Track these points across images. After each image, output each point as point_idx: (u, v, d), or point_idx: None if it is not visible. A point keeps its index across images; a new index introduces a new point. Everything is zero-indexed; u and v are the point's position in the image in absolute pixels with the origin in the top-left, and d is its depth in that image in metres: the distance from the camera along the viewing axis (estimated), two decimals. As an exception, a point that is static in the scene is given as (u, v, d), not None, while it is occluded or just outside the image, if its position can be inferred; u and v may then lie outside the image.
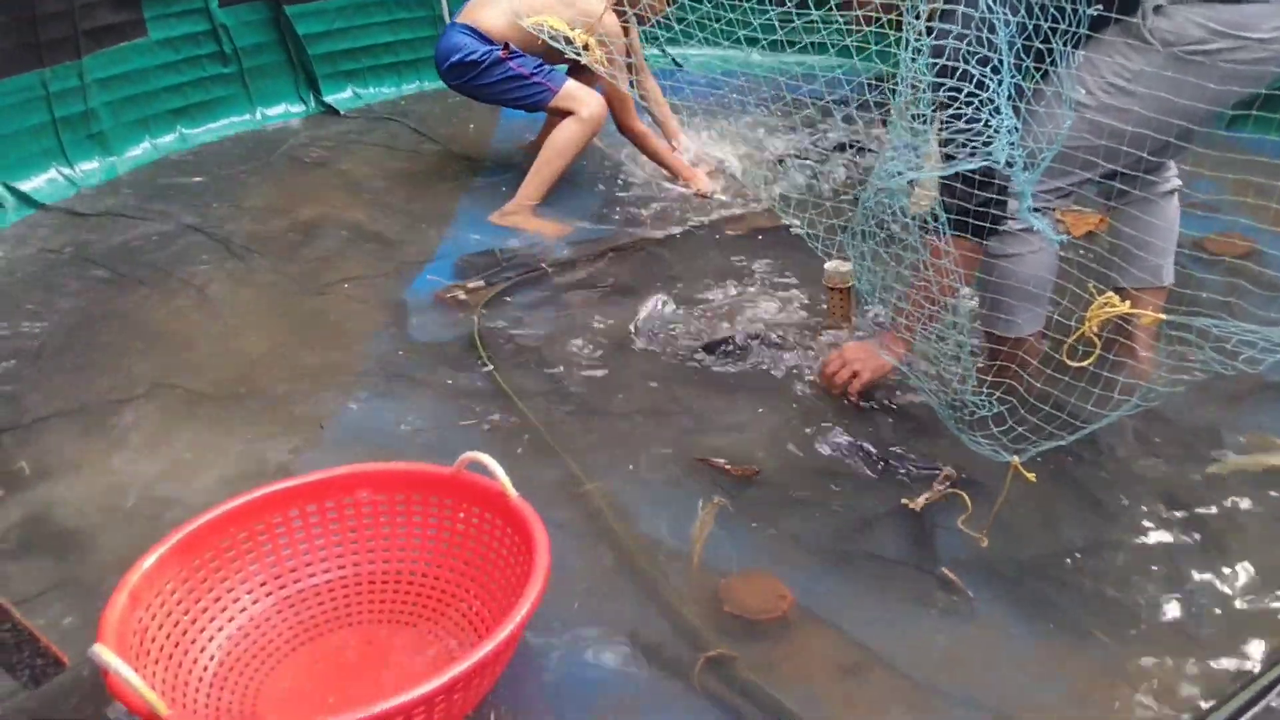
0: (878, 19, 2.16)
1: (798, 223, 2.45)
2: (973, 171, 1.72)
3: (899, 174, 1.68)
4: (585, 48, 2.88)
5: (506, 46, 3.32)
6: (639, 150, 3.70)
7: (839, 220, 2.28)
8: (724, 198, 3.56)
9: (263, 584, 1.79)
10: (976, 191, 1.81)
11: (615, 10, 3.39)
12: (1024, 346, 2.21)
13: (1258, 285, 2.21)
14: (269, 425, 2.38)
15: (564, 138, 3.38)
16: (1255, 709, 1.57)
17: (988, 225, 1.90)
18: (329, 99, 4.35)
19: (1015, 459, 1.82)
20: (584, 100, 3.36)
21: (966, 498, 1.98)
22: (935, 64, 1.64)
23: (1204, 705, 1.63)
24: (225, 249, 3.18)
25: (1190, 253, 2.55)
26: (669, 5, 3.57)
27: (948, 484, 2.07)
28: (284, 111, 4.27)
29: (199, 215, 3.39)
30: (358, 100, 4.42)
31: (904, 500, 2.03)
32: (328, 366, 2.60)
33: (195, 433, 2.35)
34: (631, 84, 3.51)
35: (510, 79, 3.33)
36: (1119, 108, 1.87)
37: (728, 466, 2.22)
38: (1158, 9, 1.88)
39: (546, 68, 3.37)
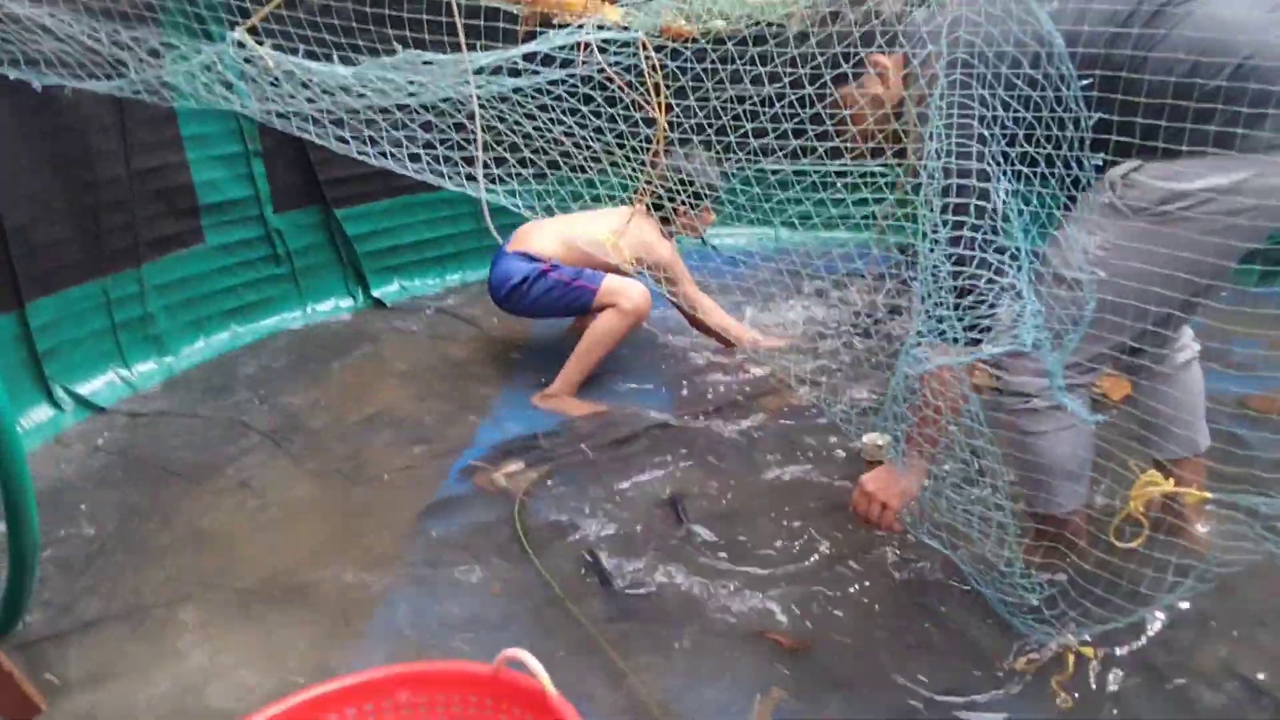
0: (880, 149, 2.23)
1: (828, 406, 2.48)
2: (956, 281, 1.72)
3: (926, 359, 1.70)
4: (613, 247, 3.01)
5: (549, 262, 3.50)
6: (706, 331, 3.83)
7: (869, 403, 2.29)
8: (758, 371, 3.60)
9: (300, 795, 1.74)
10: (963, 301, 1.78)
11: (663, 233, 3.65)
12: (1069, 526, 2.16)
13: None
14: (313, 624, 2.37)
15: (604, 329, 3.49)
16: None
17: (978, 336, 1.85)
18: (376, 293, 4.52)
19: (1073, 639, 1.76)
20: (625, 293, 3.47)
21: (1072, 659, 1.90)
22: (953, 254, 1.68)
23: None
24: (274, 444, 3.25)
25: (1235, 412, 2.52)
26: (712, 219, 3.78)
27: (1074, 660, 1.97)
28: (334, 307, 4.43)
29: (249, 412, 3.49)
30: (404, 293, 4.59)
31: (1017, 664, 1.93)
32: (371, 560, 2.61)
33: (241, 634, 2.35)
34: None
35: (553, 288, 3.48)
36: (1113, 280, 1.85)
37: (782, 640, 2.17)
38: (1124, 178, 1.88)
39: (587, 272, 3.51)
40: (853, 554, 2.53)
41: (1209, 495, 1.52)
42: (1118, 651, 1.99)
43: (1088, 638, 1.88)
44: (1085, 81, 1.68)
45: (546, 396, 3.51)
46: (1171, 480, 1.56)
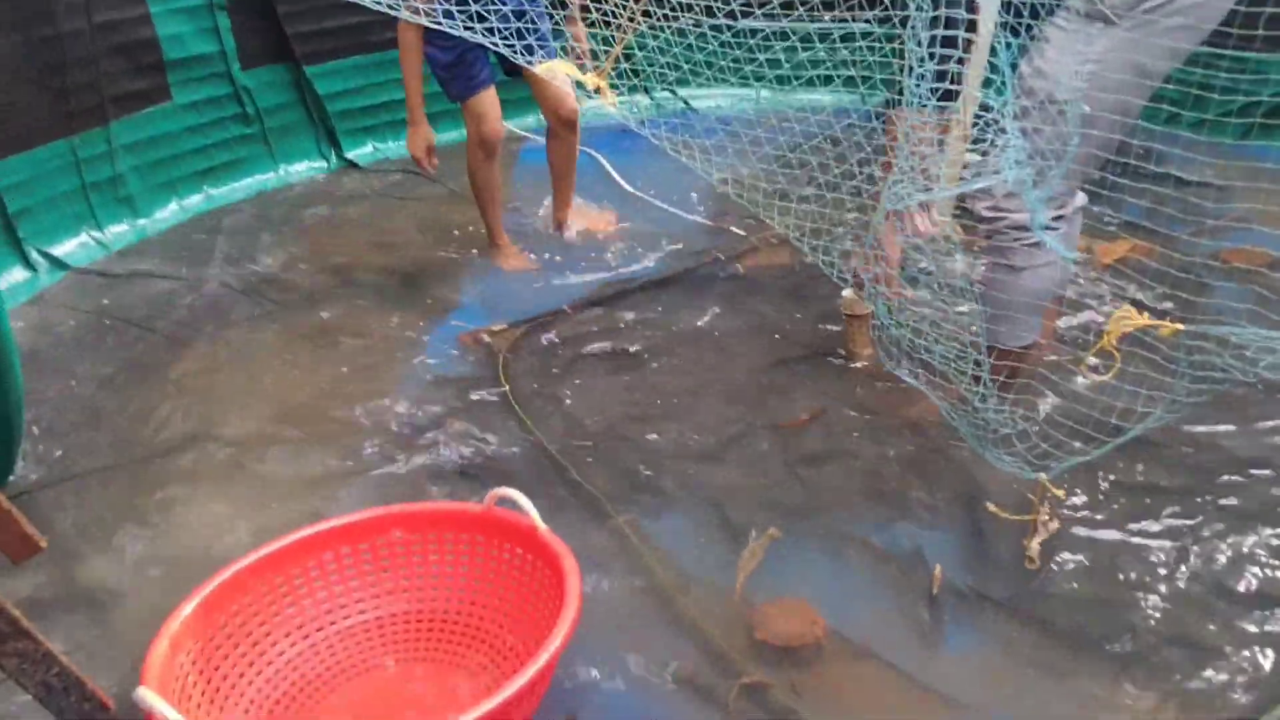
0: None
1: (810, 251, 2.48)
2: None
3: (908, 195, 1.71)
4: (597, 90, 2.94)
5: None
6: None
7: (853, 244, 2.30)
8: (739, 231, 3.60)
9: (300, 626, 1.81)
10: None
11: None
12: (1031, 357, 2.22)
13: (1277, 294, 2.22)
14: (304, 474, 2.41)
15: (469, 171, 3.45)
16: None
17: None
18: (350, 154, 4.43)
19: (1042, 476, 1.82)
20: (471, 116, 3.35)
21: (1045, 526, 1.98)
22: (938, 89, 1.67)
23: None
24: (254, 304, 3.24)
25: (1206, 263, 2.56)
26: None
27: (1049, 520, 2.05)
28: (307, 168, 4.36)
29: (227, 272, 3.46)
30: (377, 154, 4.51)
31: (1026, 554, 2.00)
32: (357, 413, 2.64)
33: (233, 484, 2.39)
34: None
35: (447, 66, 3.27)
36: (1101, 95, 1.88)
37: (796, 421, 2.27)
38: None
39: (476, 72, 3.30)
40: (839, 395, 2.59)
41: (1181, 327, 1.56)
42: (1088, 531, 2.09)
43: (1045, 476, 1.93)
44: None
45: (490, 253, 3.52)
46: (1146, 314, 1.60)
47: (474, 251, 3.58)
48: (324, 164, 4.40)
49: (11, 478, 2.41)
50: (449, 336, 3.00)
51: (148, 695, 1.37)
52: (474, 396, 2.69)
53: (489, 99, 3.32)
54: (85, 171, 3.62)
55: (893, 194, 1.75)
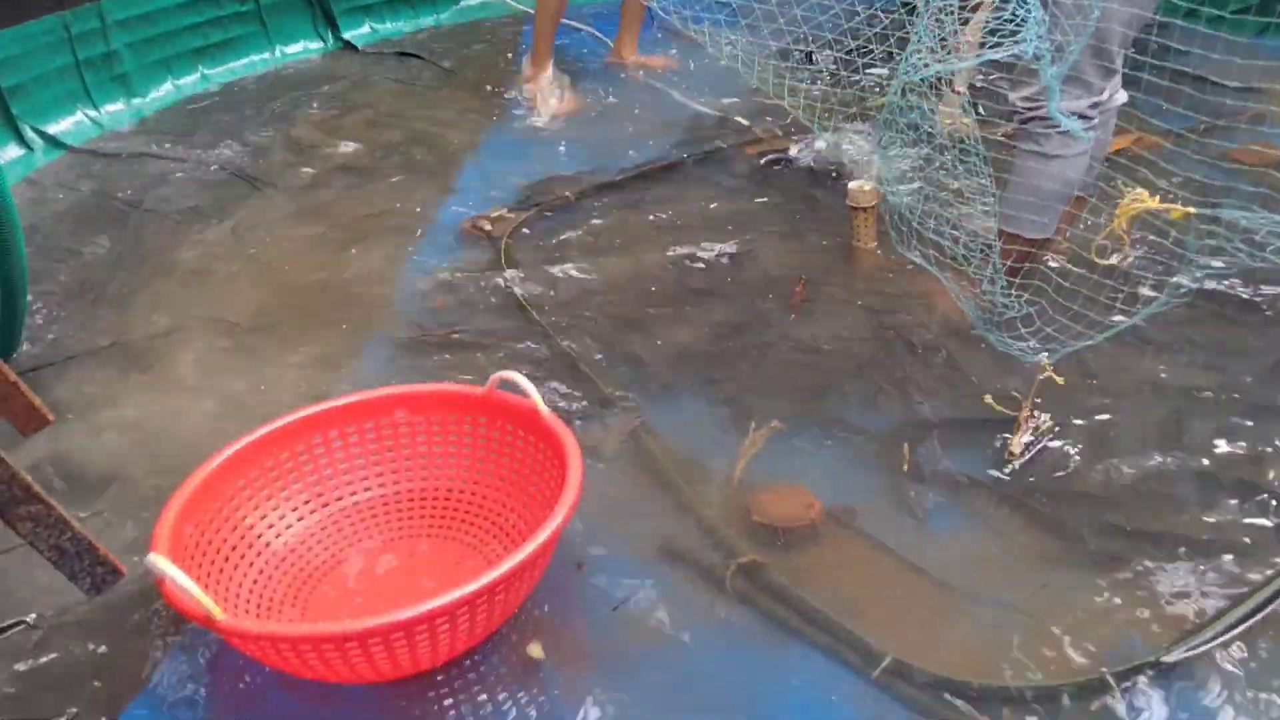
0: None
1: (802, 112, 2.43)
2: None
3: (926, 65, 1.68)
4: None
5: None
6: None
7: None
8: (743, 121, 3.54)
9: (306, 502, 1.85)
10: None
11: None
12: (1050, 247, 2.22)
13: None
14: (307, 354, 2.43)
15: None
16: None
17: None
18: (347, 35, 4.33)
19: (1045, 359, 1.83)
20: None
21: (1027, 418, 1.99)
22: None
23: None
24: (253, 186, 3.21)
25: (1215, 162, 2.51)
26: None
27: (1032, 422, 2.06)
28: (303, 49, 4.26)
29: (225, 154, 3.42)
30: (375, 35, 4.41)
31: (1008, 448, 2.02)
32: (357, 298, 2.64)
33: (234, 365, 2.40)
34: None
35: None
36: None
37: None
38: None
39: None
40: (844, 284, 2.59)
41: (1193, 211, 1.55)
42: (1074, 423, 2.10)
43: (1046, 358, 1.94)
44: None
45: (525, 79, 3.76)
46: (1157, 197, 1.59)
47: (476, 133, 3.53)
48: (320, 44, 4.31)
49: (15, 355, 2.42)
50: (451, 221, 2.98)
51: (159, 561, 1.40)
52: (476, 282, 2.68)
53: None
54: (78, 48, 3.54)
55: (910, 65, 1.72)
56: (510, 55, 4.19)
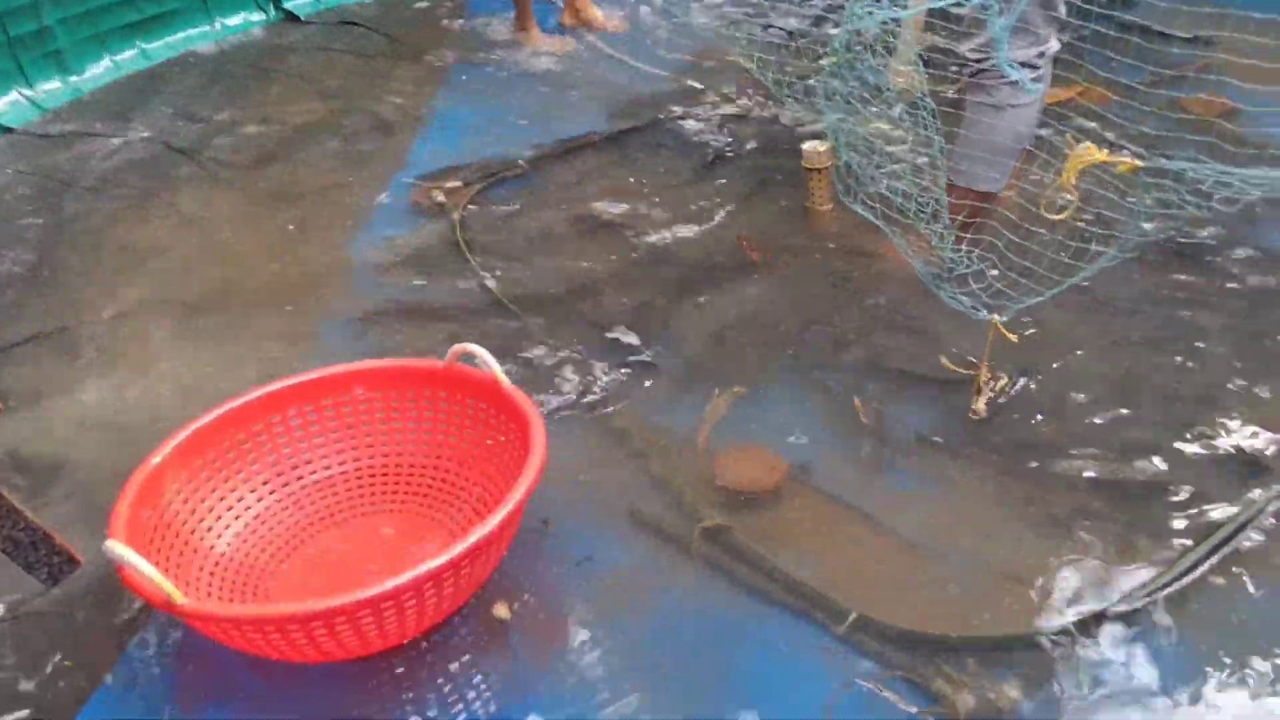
0: None
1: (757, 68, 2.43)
2: None
3: (870, 13, 1.67)
4: None
5: None
6: None
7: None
8: (697, 84, 3.51)
9: (265, 482, 1.83)
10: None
11: None
12: (1002, 201, 2.24)
13: (1232, 141, 2.22)
14: (261, 332, 2.39)
15: None
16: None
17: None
18: (288, 5, 4.22)
19: (996, 317, 1.85)
20: None
21: (986, 380, 2.02)
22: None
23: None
24: (196, 164, 3.14)
25: (1164, 112, 2.54)
26: None
27: (991, 383, 2.07)
28: (244, 21, 4.15)
29: (167, 132, 3.34)
30: (317, 4, 4.30)
31: (972, 408, 2.03)
32: (310, 274, 2.60)
33: (187, 347, 2.36)
34: None
35: None
36: None
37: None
38: None
39: None
40: (801, 245, 2.60)
41: (1140, 164, 1.57)
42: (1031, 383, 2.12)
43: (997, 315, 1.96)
44: None
45: (516, 32, 3.87)
46: (1106, 151, 1.60)
47: (425, 103, 3.47)
48: (262, 15, 4.19)
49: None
50: (403, 193, 2.94)
51: (116, 547, 1.38)
52: (430, 255, 2.65)
53: None
54: (9, 25, 3.43)
55: (854, 14, 1.72)
56: (454, 21, 4.12)
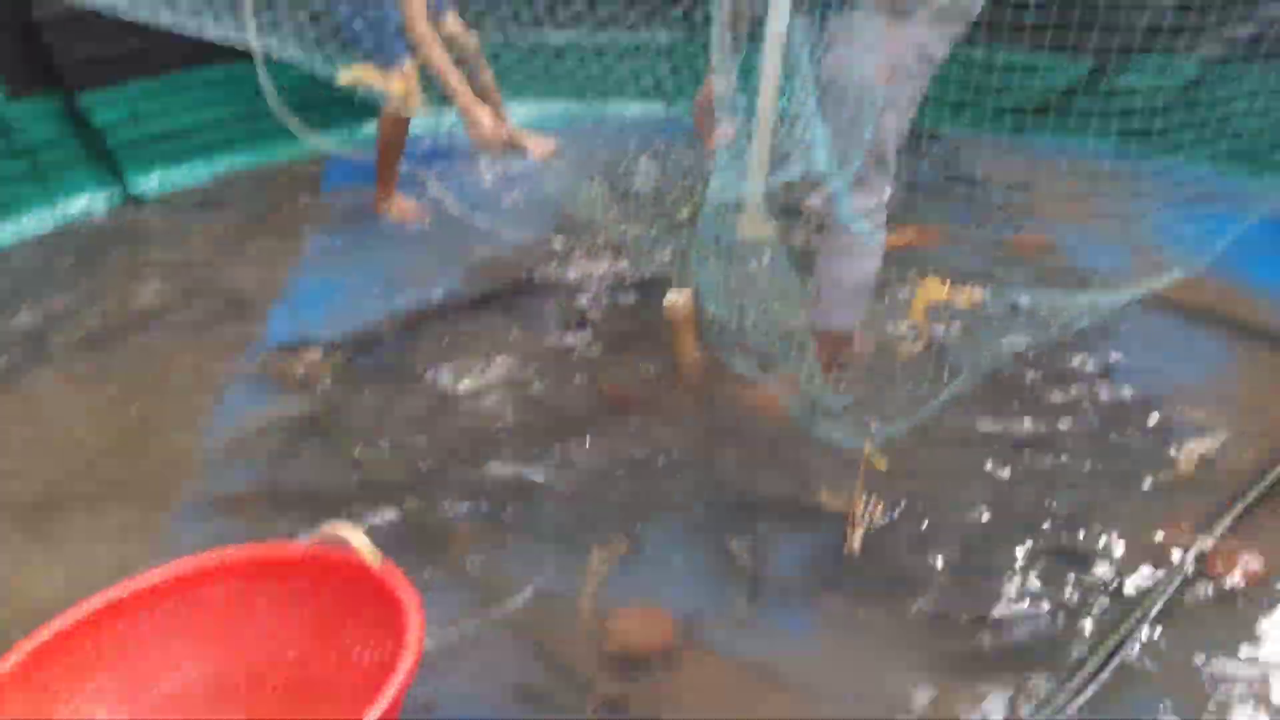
0: None
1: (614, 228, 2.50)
2: None
3: (726, 189, 1.75)
4: (404, 95, 2.88)
5: None
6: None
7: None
8: (558, 246, 3.58)
9: (119, 699, 1.67)
10: None
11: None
12: (857, 339, 2.34)
13: (1059, 274, 2.39)
14: (104, 530, 2.23)
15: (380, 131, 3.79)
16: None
17: None
18: (136, 187, 4.15)
19: (866, 447, 1.89)
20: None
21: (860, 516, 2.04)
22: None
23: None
24: (38, 349, 2.98)
25: (995, 255, 2.74)
26: None
27: (866, 517, 2.10)
28: (87, 204, 4.05)
29: (7, 318, 3.18)
30: (166, 185, 4.24)
31: (848, 544, 2.05)
32: (160, 461, 2.47)
33: (25, 549, 2.19)
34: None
35: (363, 24, 3.44)
36: (895, 81, 2.04)
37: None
38: None
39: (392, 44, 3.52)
40: (670, 396, 2.62)
41: (979, 296, 1.66)
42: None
43: (873, 443, 2.01)
44: None
45: (378, 202, 3.88)
46: (947, 286, 1.69)
47: (281, 276, 3.42)
48: (106, 197, 4.10)
49: None
50: (258, 369, 2.85)
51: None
52: (289, 429, 2.56)
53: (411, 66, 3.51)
54: None
55: (713, 188, 1.79)
56: (311, 194, 4.12)
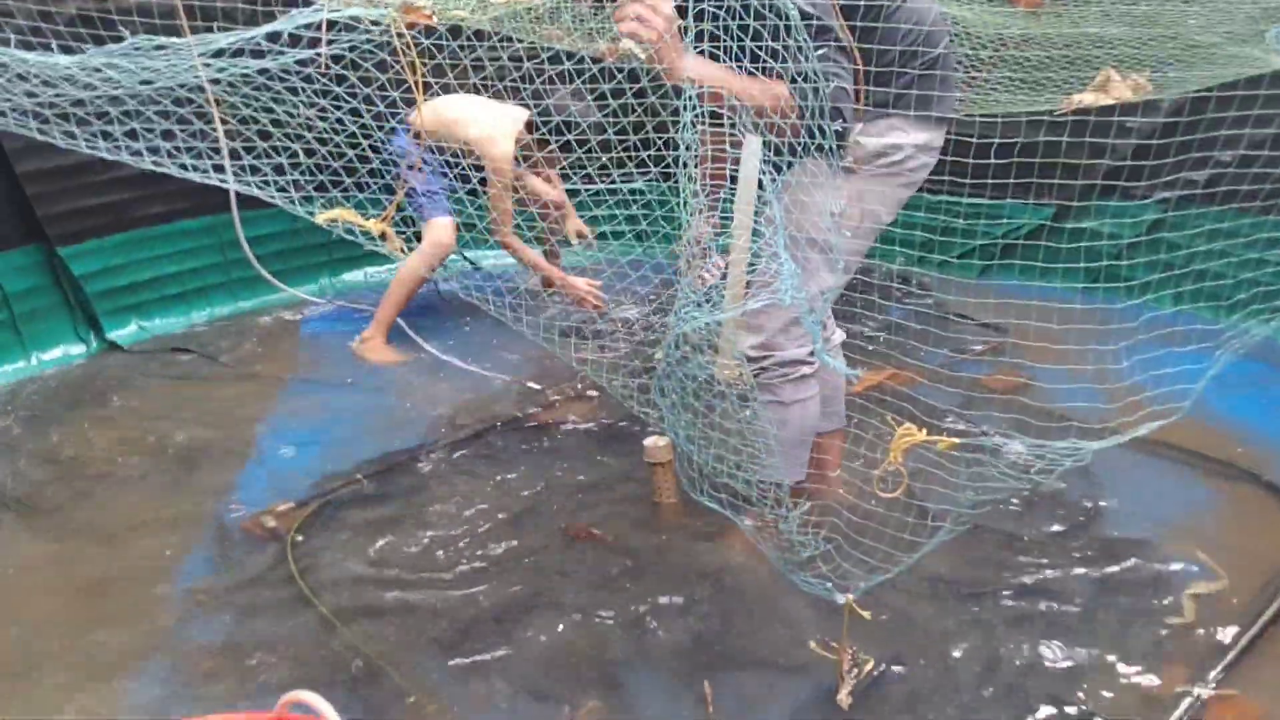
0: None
1: (590, 370, 2.52)
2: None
3: (694, 318, 1.76)
4: (382, 237, 2.91)
5: (419, 154, 3.75)
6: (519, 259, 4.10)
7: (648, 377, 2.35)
8: (535, 386, 3.57)
9: None
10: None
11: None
12: (835, 484, 2.32)
13: (1036, 414, 2.38)
14: (66, 699, 2.12)
15: (410, 267, 3.89)
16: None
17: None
18: (111, 335, 4.14)
19: (849, 598, 1.85)
20: (431, 229, 3.90)
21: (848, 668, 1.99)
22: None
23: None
24: (1, 506, 2.90)
25: (970, 393, 2.75)
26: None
27: (854, 669, 2.04)
28: (62, 354, 4.03)
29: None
30: (143, 334, 4.24)
31: (837, 699, 1.99)
32: (128, 619, 2.37)
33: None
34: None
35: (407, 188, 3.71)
36: (858, 229, 2.13)
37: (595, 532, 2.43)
38: (856, 142, 2.14)
39: (436, 200, 3.91)
40: (649, 542, 2.55)
41: (957, 440, 1.65)
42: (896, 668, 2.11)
43: (852, 593, 1.96)
44: (820, 51, 1.81)
45: (362, 341, 3.94)
46: (924, 431, 1.69)
47: (256, 425, 3.38)
48: (83, 347, 4.09)
49: None
50: (230, 522, 2.78)
51: None
52: (261, 589, 2.47)
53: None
54: None
55: (680, 319, 1.81)
56: (289, 340, 4.13)
